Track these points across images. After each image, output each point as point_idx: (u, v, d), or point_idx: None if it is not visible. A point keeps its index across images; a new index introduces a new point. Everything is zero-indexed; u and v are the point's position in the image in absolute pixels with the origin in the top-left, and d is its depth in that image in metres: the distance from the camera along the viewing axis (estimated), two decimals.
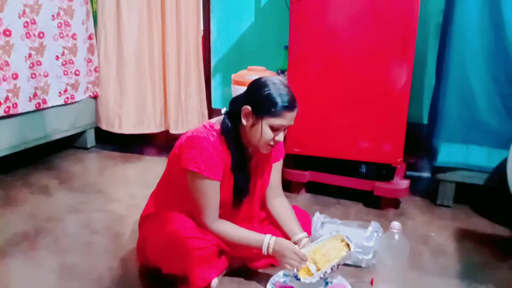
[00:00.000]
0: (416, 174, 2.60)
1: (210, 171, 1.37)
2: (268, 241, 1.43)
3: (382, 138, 2.09)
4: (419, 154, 2.67)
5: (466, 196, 2.26)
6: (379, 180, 2.13)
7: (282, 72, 2.51)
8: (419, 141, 2.61)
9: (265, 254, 1.44)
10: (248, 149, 1.49)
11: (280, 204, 1.64)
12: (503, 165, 1.96)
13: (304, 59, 2.11)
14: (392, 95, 2.02)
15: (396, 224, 1.35)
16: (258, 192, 1.59)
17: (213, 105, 3.16)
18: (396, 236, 1.35)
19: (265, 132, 1.38)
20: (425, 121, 2.61)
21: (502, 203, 2.12)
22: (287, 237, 1.56)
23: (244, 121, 1.41)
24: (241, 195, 1.51)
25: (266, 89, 1.37)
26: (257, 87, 1.40)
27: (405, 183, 2.14)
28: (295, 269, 1.42)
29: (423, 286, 1.54)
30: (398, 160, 2.10)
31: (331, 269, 1.41)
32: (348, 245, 1.47)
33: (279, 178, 1.66)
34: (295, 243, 1.52)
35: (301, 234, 1.55)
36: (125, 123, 2.91)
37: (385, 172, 2.15)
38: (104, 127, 2.96)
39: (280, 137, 1.41)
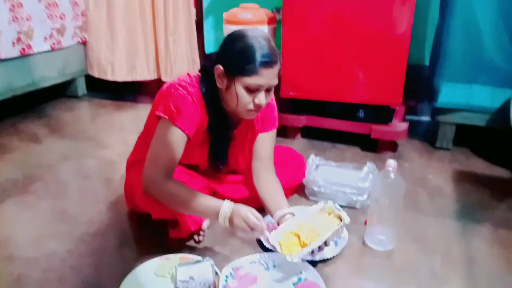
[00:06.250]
0: (415, 118, 2.54)
1: (183, 121, 1.20)
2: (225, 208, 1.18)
3: (381, 78, 2.00)
4: (419, 98, 2.59)
5: (466, 138, 2.21)
6: (377, 123, 2.07)
7: (278, 10, 2.37)
8: (420, 84, 2.52)
9: (222, 224, 1.20)
10: (231, 115, 1.30)
11: (267, 180, 1.40)
12: (506, 105, 1.88)
13: None
14: (393, 33, 1.91)
15: (391, 162, 1.29)
16: (241, 163, 1.46)
17: (206, 50, 3.02)
18: (392, 175, 1.29)
19: (241, 95, 1.18)
20: (427, 62, 2.50)
21: (503, 144, 2.07)
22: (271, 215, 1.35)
23: (218, 83, 1.23)
24: (217, 161, 1.37)
25: (239, 43, 1.16)
26: (230, 41, 1.20)
27: (403, 125, 2.07)
28: (277, 246, 1.18)
29: (419, 226, 1.51)
30: (398, 101, 2.02)
31: (325, 243, 1.21)
32: (340, 217, 1.26)
33: (270, 151, 1.43)
34: (277, 223, 1.30)
35: (286, 209, 1.30)
36: (118, 70, 2.83)
37: (383, 114, 2.08)
38: (96, 74, 2.87)
39: (261, 99, 1.19)
